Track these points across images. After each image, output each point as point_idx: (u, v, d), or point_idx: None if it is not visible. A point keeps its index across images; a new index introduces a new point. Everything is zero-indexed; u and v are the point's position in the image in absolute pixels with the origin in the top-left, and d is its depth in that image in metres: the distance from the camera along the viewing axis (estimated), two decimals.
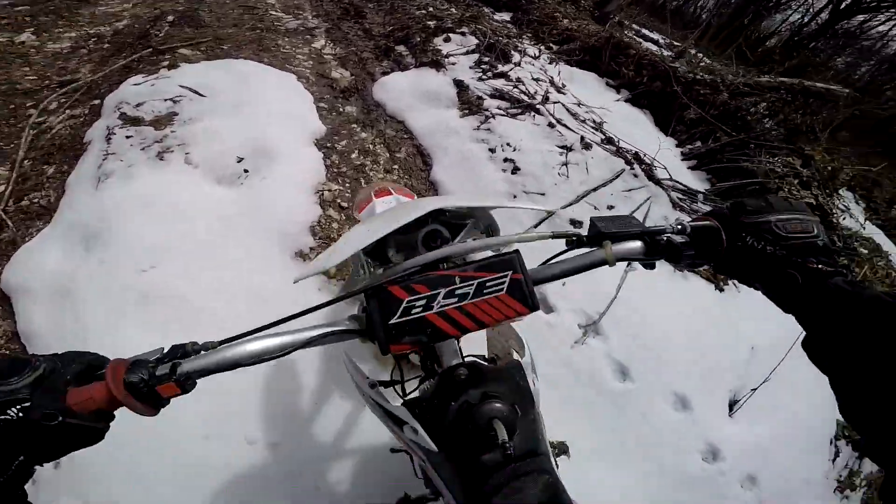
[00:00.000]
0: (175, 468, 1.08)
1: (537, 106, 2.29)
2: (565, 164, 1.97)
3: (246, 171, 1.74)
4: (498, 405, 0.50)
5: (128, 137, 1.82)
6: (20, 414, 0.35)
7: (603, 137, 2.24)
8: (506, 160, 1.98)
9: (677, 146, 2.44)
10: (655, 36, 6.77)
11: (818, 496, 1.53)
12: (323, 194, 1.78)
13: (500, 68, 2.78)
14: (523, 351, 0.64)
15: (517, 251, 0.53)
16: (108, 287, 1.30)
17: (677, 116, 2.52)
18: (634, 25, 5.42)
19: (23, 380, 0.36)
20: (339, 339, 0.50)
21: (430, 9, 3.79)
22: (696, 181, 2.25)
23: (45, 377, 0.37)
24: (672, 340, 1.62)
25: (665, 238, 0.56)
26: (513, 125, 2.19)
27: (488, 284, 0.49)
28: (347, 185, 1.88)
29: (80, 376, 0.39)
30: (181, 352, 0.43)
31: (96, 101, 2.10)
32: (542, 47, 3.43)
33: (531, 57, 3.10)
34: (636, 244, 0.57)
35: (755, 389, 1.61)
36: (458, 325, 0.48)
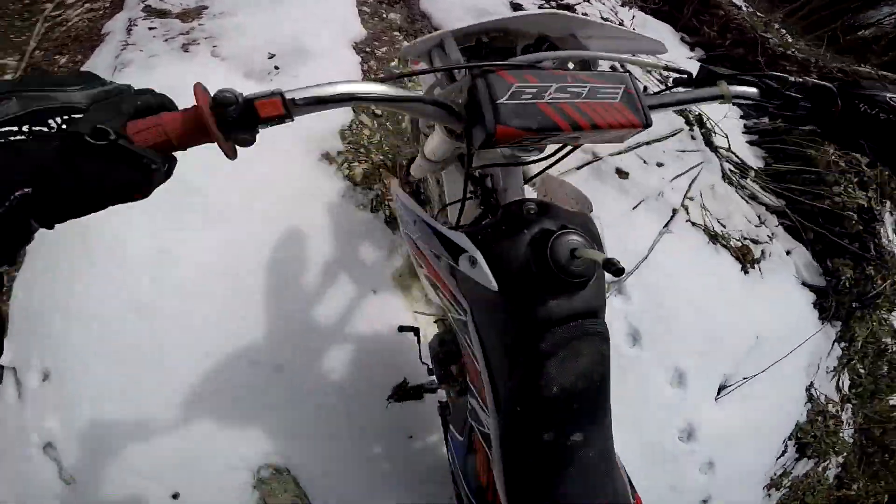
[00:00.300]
0: (172, 387, 1.04)
1: None
2: None
3: (277, 67, 1.62)
4: (580, 239, 0.47)
5: (150, 29, 1.69)
6: (63, 126, 0.28)
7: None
8: None
9: (742, 118, 2.27)
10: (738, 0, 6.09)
11: (749, 489, 1.61)
12: (391, 182, 1.68)
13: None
14: (590, 207, 0.62)
15: (630, 73, 0.50)
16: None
17: None
18: None
19: (86, 90, 0.30)
20: (438, 117, 0.46)
21: None
22: (751, 157, 2.12)
23: (111, 95, 0.31)
24: (687, 312, 1.61)
25: (781, 88, 0.56)
26: None
27: (601, 90, 0.45)
28: None
29: (146, 111, 0.33)
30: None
31: None
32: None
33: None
34: (752, 89, 0.56)
35: (747, 379, 1.63)
36: (570, 119, 0.43)
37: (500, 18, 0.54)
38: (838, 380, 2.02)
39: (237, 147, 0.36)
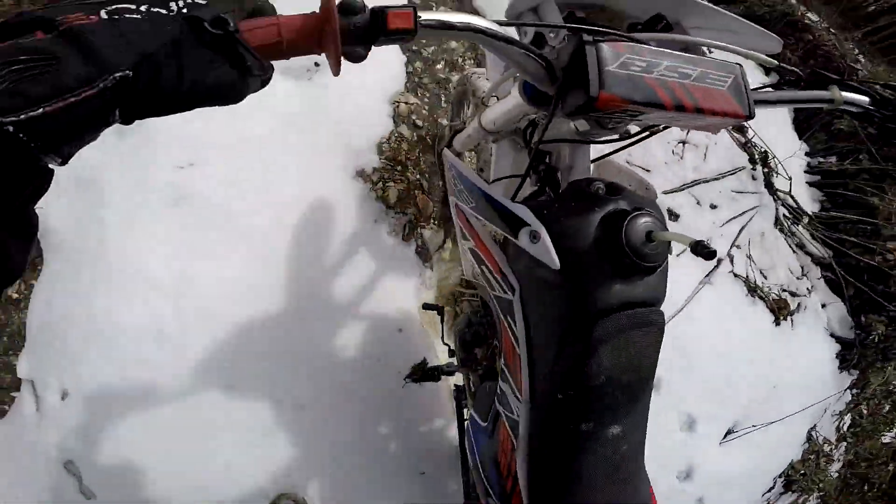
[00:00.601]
0: (190, 413, 1.04)
1: None
2: (684, 142, 1.73)
3: (317, 64, 1.44)
4: (659, 224, 0.45)
5: None
6: (184, 10, 0.27)
7: None
8: None
9: (807, 154, 2.12)
10: (812, 15, 5.41)
11: None
12: (399, 106, 1.51)
13: None
14: (655, 194, 0.61)
15: (740, 65, 0.49)
16: (136, 181, 1.11)
17: (824, 122, 2.13)
18: None
19: None
20: (535, 71, 0.44)
21: None
22: (809, 200, 2.01)
23: None
24: (709, 360, 1.62)
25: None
26: None
27: (710, 75, 0.44)
28: (427, 99, 1.63)
29: (262, 12, 0.32)
30: None
31: None
32: None
33: None
34: (864, 97, 0.56)
35: (756, 427, 1.66)
36: (675, 98, 0.42)
37: None
38: (840, 421, 2.06)
39: (354, 60, 0.36)
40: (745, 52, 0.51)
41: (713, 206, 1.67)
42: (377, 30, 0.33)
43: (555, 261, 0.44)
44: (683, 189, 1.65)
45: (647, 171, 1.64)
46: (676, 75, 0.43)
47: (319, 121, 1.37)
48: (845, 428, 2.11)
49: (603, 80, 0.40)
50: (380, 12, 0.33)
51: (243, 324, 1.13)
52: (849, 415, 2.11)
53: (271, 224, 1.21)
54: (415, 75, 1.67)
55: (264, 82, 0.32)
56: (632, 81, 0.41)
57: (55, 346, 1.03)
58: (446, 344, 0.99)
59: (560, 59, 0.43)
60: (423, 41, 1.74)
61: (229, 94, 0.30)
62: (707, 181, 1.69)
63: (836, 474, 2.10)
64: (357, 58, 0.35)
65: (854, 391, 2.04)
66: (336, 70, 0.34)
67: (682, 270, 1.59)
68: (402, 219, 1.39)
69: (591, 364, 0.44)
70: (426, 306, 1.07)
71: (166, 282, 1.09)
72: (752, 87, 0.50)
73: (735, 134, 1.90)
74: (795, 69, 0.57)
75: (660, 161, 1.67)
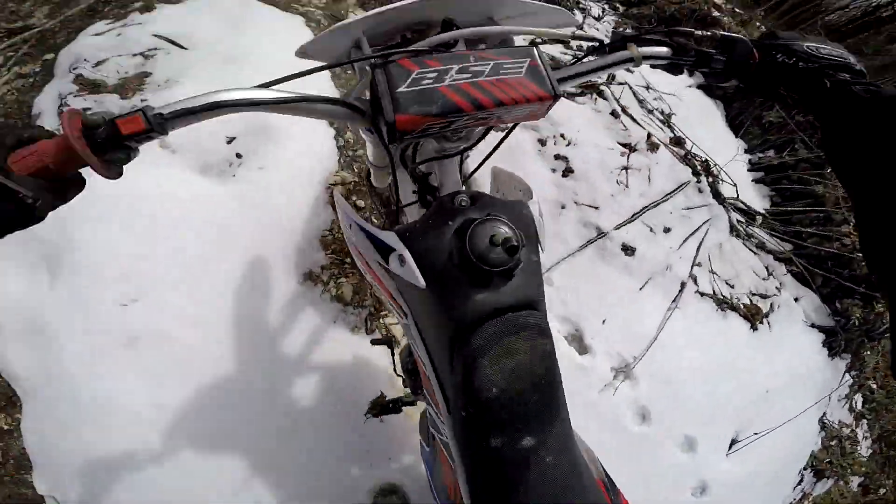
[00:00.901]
0: None
1: (601, 87, 1.95)
2: (626, 168, 1.73)
3: (239, 155, 1.39)
4: (503, 227, 0.47)
5: (85, 110, 1.45)
6: None
7: (672, 136, 1.95)
8: (557, 157, 1.72)
9: (746, 151, 2.17)
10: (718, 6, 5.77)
11: None
12: (335, 188, 1.48)
13: None
14: (529, 194, 0.62)
15: (536, 45, 0.50)
16: (85, 326, 1.12)
17: (755, 116, 2.19)
18: None
19: None
20: (339, 115, 0.45)
21: None
22: (758, 197, 2.03)
23: None
24: (694, 382, 1.60)
25: (692, 44, 0.56)
26: (570, 109, 1.88)
27: (505, 66, 0.46)
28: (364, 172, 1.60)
29: (29, 141, 0.34)
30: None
31: (50, 56, 1.66)
32: (607, 5, 2.86)
33: (594, 18, 2.59)
34: (662, 49, 0.55)
35: (758, 435, 1.63)
36: (471, 98, 0.43)
37: (402, 4, 0.51)
38: (851, 402, 2.04)
39: (119, 165, 0.37)
40: (539, 30, 0.52)
41: (667, 230, 1.67)
42: (118, 138, 0.35)
43: (420, 280, 0.46)
44: (634, 219, 1.64)
45: (596, 208, 1.63)
46: (469, 75, 0.44)
47: (253, 224, 1.32)
48: (859, 407, 2.09)
49: (397, 104, 0.41)
50: (111, 123, 0.34)
51: (222, 442, 1.12)
52: (858, 394, 2.09)
53: (229, 349, 1.18)
54: (347, 149, 1.62)
55: (61, 198, 0.35)
56: (425, 95, 0.42)
57: (62, 465, 1.06)
58: (399, 375, 1.00)
59: (364, 93, 0.44)
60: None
61: (17, 220, 0.33)
62: (656, 204, 1.69)
63: (870, 451, 2.07)
64: (122, 162, 0.37)
65: (853, 373, 2.03)
66: (108, 176, 0.36)
67: (648, 301, 1.57)
68: (361, 313, 1.33)
69: (477, 377, 0.44)
70: (375, 342, 1.07)
71: (140, 410, 1.10)
72: (569, 63, 0.52)
73: (673, 147, 1.92)
74: (593, 37, 0.57)
75: (606, 195, 1.66)
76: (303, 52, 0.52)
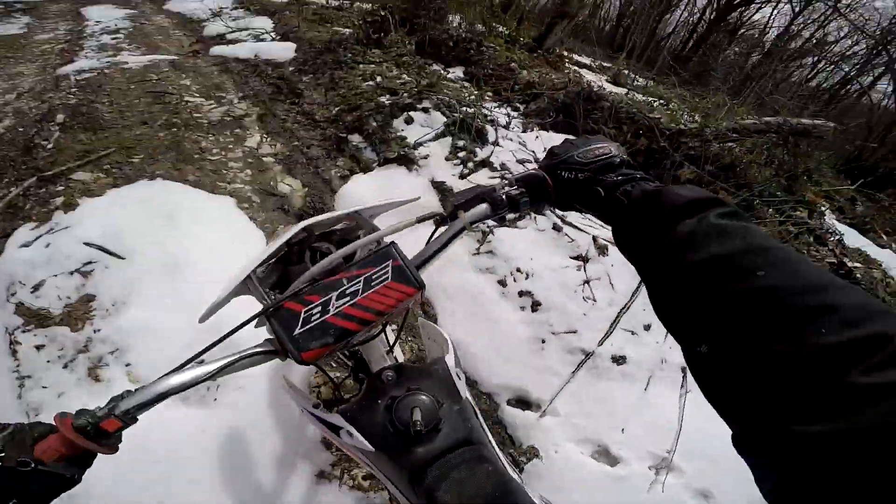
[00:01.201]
0: None
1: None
2: (587, 281, 1.83)
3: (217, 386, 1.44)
4: (420, 396, 0.56)
5: (38, 348, 1.44)
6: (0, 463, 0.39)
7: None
8: (521, 293, 1.81)
9: None
10: (585, 59, 6.80)
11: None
12: (321, 390, 1.50)
13: (480, 154, 2.61)
14: (447, 346, 0.70)
15: (393, 243, 0.58)
16: None
17: (672, 177, 2.43)
18: (566, 53, 5.35)
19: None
20: (262, 360, 0.51)
21: (378, 78, 3.47)
22: None
23: (14, 434, 0.41)
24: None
25: (502, 194, 0.62)
26: (514, 237, 2.02)
27: (374, 277, 0.53)
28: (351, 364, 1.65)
29: (43, 436, 0.42)
30: (120, 397, 0.45)
31: None
32: (510, 109, 3.29)
33: (503, 127, 2.95)
34: (483, 207, 0.62)
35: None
36: (357, 320, 0.51)
37: (275, 247, 0.60)
38: None
39: (115, 444, 0.45)
40: (389, 230, 0.58)
41: (647, 328, 1.72)
42: (105, 433, 0.43)
43: (369, 447, 0.55)
44: (613, 330, 1.70)
45: (574, 332, 1.68)
46: (348, 298, 0.52)
47: (249, 441, 1.33)
48: None
49: (298, 345, 0.49)
50: (96, 426, 0.43)
51: None
52: None
53: None
54: None
55: (86, 465, 0.44)
56: (319, 330, 0.50)
57: None
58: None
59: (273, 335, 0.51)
60: None
61: (62, 488, 0.42)
62: (627, 308, 1.76)
63: None
64: (118, 440, 0.45)
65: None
66: (108, 452, 0.45)
67: (658, 397, 1.55)
68: (383, 492, 1.30)
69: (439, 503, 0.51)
70: None
71: None
72: (425, 247, 0.61)
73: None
74: (433, 212, 0.64)
75: (578, 315, 1.73)
76: (206, 318, 0.57)
